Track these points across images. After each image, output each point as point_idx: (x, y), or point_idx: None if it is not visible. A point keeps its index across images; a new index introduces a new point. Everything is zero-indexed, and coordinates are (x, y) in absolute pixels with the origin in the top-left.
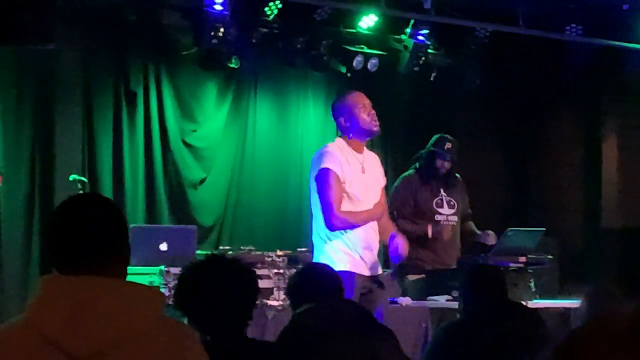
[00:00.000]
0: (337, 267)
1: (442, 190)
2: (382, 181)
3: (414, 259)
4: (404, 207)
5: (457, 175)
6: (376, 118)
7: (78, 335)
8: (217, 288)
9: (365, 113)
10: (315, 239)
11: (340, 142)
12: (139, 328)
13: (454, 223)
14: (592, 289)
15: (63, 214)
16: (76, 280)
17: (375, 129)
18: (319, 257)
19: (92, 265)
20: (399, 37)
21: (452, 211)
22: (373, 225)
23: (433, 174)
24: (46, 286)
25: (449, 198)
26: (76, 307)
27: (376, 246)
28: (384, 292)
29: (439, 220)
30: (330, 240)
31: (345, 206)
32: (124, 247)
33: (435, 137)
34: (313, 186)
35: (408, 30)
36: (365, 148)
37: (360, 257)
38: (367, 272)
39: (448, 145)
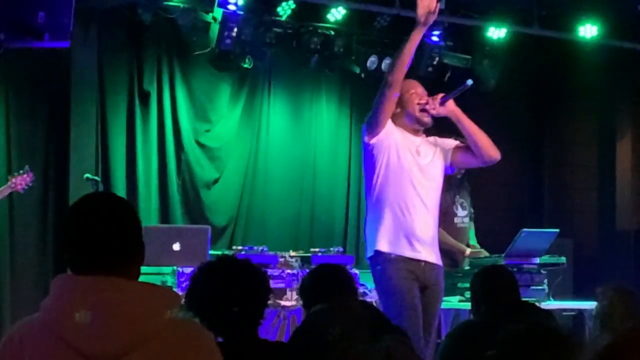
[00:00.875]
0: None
1: (456, 194)
2: (443, 161)
3: None
4: None
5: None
6: (428, 108)
7: (94, 337)
8: (228, 289)
9: (417, 100)
10: None
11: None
12: (154, 329)
13: (467, 225)
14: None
15: (77, 213)
16: (91, 280)
17: (425, 119)
18: None
19: (106, 265)
20: None
21: (465, 213)
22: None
23: (450, 179)
24: (61, 286)
25: (461, 200)
26: (91, 308)
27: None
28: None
29: (457, 223)
30: None
31: (393, 174)
32: (138, 247)
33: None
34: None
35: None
36: (423, 134)
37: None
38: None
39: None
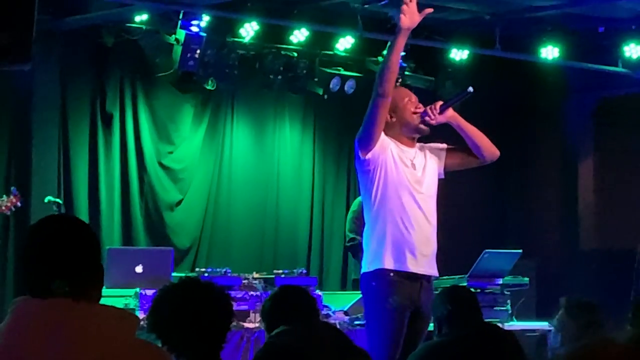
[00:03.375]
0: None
1: None
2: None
3: None
4: None
5: None
6: (428, 120)
7: None
8: (191, 311)
9: (412, 108)
10: None
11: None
12: (113, 352)
13: None
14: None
15: (35, 235)
16: (48, 303)
17: (424, 128)
18: None
19: (64, 288)
20: (375, 59)
21: None
22: None
23: None
24: (19, 310)
25: None
26: (50, 331)
27: None
28: None
29: None
30: None
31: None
32: (97, 270)
33: None
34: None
35: (385, 52)
36: (417, 144)
37: None
38: None
39: None
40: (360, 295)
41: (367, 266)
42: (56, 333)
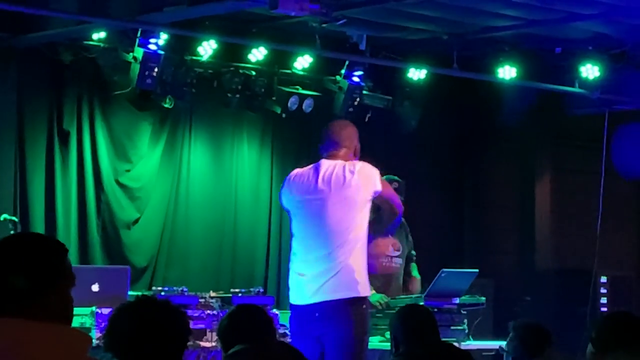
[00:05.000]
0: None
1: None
2: None
3: None
4: None
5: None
6: None
7: None
8: (147, 330)
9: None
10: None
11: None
12: None
13: (399, 265)
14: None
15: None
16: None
17: None
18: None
19: (15, 307)
20: (334, 78)
21: (398, 253)
22: None
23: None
24: None
25: (394, 240)
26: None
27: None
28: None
29: (382, 262)
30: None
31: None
32: (46, 288)
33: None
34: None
35: (343, 71)
36: None
37: None
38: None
39: (395, 185)
40: None
41: (359, 291)
42: (5, 354)
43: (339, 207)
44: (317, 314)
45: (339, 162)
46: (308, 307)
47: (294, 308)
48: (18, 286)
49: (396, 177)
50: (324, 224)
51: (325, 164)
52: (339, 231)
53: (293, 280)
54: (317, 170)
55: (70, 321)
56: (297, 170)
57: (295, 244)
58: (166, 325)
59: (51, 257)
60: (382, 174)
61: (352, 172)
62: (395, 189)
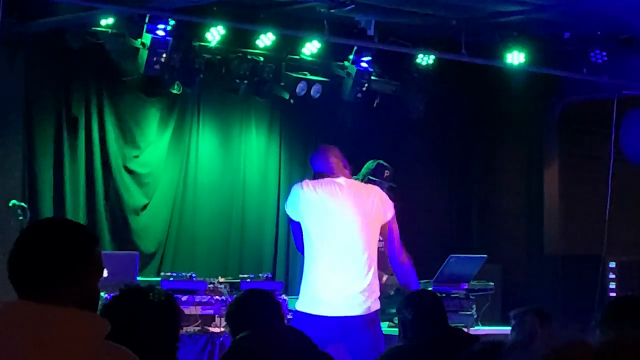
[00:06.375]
0: None
1: None
2: None
3: None
4: None
5: None
6: None
7: None
8: (136, 320)
9: None
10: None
11: None
12: (76, 354)
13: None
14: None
15: (16, 241)
16: (14, 306)
17: None
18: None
19: (39, 292)
20: (342, 63)
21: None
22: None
23: None
24: None
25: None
26: (15, 333)
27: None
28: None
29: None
30: None
31: None
32: (66, 274)
33: (371, 164)
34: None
35: (351, 57)
36: None
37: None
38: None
39: (387, 172)
40: None
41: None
42: (21, 335)
43: (366, 223)
44: (347, 326)
45: (360, 183)
46: (338, 319)
47: (319, 319)
48: (44, 271)
49: (385, 163)
50: (356, 237)
51: (344, 180)
52: (368, 246)
53: (317, 288)
54: (339, 184)
55: (94, 310)
56: (308, 181)
57: (318, 252)
58: (153, 309)
59: (80, 245)
60: (377, 159)
61: (376, 195)
62: (387, 176)
